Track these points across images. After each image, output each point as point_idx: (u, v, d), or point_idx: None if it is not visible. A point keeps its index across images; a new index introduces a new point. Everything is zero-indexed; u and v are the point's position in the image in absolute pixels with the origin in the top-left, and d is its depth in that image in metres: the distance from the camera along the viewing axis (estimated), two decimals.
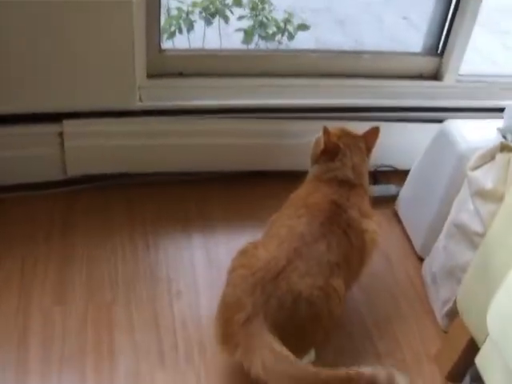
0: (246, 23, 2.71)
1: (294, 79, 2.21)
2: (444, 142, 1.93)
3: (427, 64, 2.30)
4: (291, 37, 2.74)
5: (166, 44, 2.55)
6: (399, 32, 3.50)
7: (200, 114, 2.10)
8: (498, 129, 1.85)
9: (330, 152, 1.79)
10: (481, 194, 1.67)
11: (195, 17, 2.68)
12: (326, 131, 1.77)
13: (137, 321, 1.77)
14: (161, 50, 2.08)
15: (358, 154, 1.81)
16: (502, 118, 1.88)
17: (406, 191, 2.18)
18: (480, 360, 1.49)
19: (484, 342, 1.47)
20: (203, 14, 2.66)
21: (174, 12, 2.64)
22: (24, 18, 1.79)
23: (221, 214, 2.15)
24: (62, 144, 2.05)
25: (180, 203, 2.16)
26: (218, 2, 2.66)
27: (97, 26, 1.86)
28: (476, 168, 1.72)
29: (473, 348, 1.54)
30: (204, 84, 2.13)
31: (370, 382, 1.39)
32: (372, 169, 2.22)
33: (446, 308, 1.81)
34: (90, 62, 1.92)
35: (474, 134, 1.90)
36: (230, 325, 1.52)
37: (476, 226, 1.68)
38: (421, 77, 2.32)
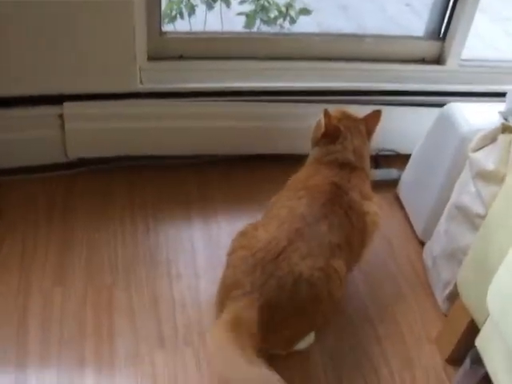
0: (248, 7, 2.69)
1: (295, 62, 2.19)
2: (446, 124, 1.92)
3: (429, 48, 2.29)
4: (293, 21, 2.72)
5: (167, 27, 2.54)
6: (402, 18, 3.50)
7: (200, 97, 2.09)
8: (500, 112, 1.84)
9: (330, 135, 1.78)
10: (482, 176, 1.66)
11: (196, 1, 2.66)
12: (326, 114, 1.77)
13: (136, 303, 1.77)
14: (161, 33, 2.07)
15: (358, 137, 1.81)
16: (504, 102, 1.87)
17: (408, 175, 2.17)
18: (480, 342, 1.48)
19: (484, 323, 1.46)
20: None
21: None
22: (25, 1, 1.78)
23: (221, 197, 2.15)
24: (62, 126, 2.05)
25: (181, 186, 2.16)
26: None
27: (98, 8, 1.85)
28: (477, 149, 1.71)
29: (473, 330, 1.54)
30: (204, 67, 2.12)
31: None
32: (374, 153, 2.22)
33: (447, 291, 1.81)
34: (91, 44, 1.91)
35: (476, 116, 1.88)
36: (226, 300, 1.52)
37: (477, 208, 1.67)
38: (423, 61, 2.30)
